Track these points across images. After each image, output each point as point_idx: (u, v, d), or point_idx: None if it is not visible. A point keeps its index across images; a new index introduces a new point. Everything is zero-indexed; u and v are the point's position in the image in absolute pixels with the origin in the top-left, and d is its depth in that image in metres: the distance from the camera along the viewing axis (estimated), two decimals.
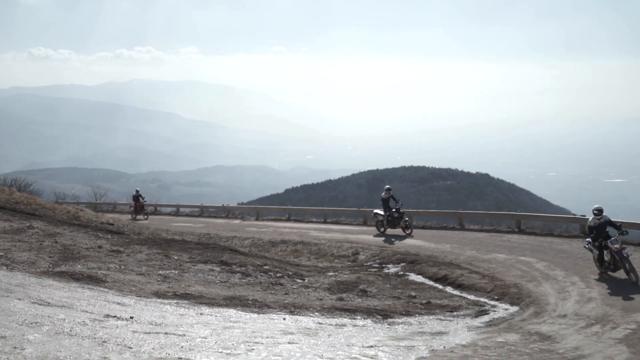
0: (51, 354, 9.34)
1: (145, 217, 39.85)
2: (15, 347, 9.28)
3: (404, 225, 26.90)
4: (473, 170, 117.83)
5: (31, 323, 10.72)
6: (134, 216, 39.67)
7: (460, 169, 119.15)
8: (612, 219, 18.57)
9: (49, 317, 11.41)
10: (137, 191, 40.74)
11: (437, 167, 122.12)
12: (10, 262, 16.01)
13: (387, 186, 28.09)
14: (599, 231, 17.41)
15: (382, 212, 27.30)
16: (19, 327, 10.38)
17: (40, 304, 12.25)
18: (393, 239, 26.05)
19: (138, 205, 39.95)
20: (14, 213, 24.18)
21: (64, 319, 11.45)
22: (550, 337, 13.15)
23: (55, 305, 12.41)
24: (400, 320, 14.56)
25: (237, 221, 35.67)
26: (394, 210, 26.95)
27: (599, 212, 17.66)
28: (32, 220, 23.08)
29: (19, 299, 12.42)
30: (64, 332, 10.68)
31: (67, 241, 20.33)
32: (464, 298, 17.35)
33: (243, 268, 19.45)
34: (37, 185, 45.29)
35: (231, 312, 14.05)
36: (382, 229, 27.35)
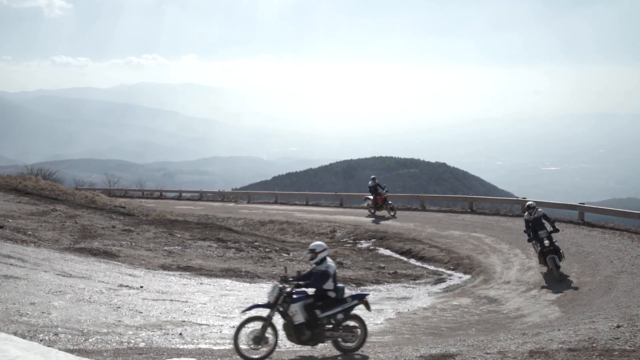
0: (73, 318, 9.32)
1: (393, 212, 25.57)
2: (43, 312, 9.25)
3: (552, 265, 14.69)
4: (433, 160, 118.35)
5: (56, 292, 10.68)
6: (372, 212, 26.44)
7: (422, 159, 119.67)
8: (547, 201, 18.64)
9: (71, 286, 11.37)
10: (373, 179, 26.27)
11: (402, 157, 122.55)
12: (38, 239, 15.87)
13: (530, 202, 16.26)
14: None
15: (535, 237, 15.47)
16: (46, 295, 10.34)
17: (64, 276, 12.18)
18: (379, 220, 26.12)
19: (379, 199, 25.80)
20: (40, 198, 23.92)
21: (84, 288, 11.40)
22: (496, 300, 13.37)
23: (76, 277, 12.34)
24: (371, 288, 14.69)
25: (231, 204, 35.55)
26: (544, 240, 15.03)
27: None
28: (55, 204, 22.84)
29: (45, 271, 12.34)
30: (84, 299, 10.65)
31: (86, 222, 20.17)
32: (425, 268, 17.53)
33: (237, 244, 19.45)
34: (59, 174, 44.53)
35: (227, 282, 14.07)
36: (545, 268, 15.21)
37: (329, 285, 8.58)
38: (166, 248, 17.61)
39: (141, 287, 12.35)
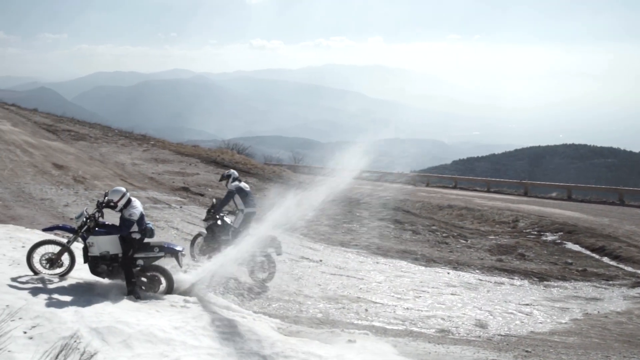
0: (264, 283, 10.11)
1: None
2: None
3: None
4: (636, 150, 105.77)
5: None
6: None
7: (622, 148, 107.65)
8: None
9: None
10: None
11: (598, 145, 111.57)
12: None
13: None
14: None
15: None
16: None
17: None
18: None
19: None
20: None
21: None
22: None
23: None
24: (555, 284, 13.71)
25: (409, 187, 35.48)
26: None
27: None
28: (247, 177, 24.74)
29: None
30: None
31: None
32: (621, 269, 15.85)
33: (413, 227, 19.39)
34: (250, 150, 48.01)
35: (402, 263, 14.12)
36: None
37: (134, 229, 8.32)
38: (345, 225, 18.17)
39: (320, 260, 12.93)
